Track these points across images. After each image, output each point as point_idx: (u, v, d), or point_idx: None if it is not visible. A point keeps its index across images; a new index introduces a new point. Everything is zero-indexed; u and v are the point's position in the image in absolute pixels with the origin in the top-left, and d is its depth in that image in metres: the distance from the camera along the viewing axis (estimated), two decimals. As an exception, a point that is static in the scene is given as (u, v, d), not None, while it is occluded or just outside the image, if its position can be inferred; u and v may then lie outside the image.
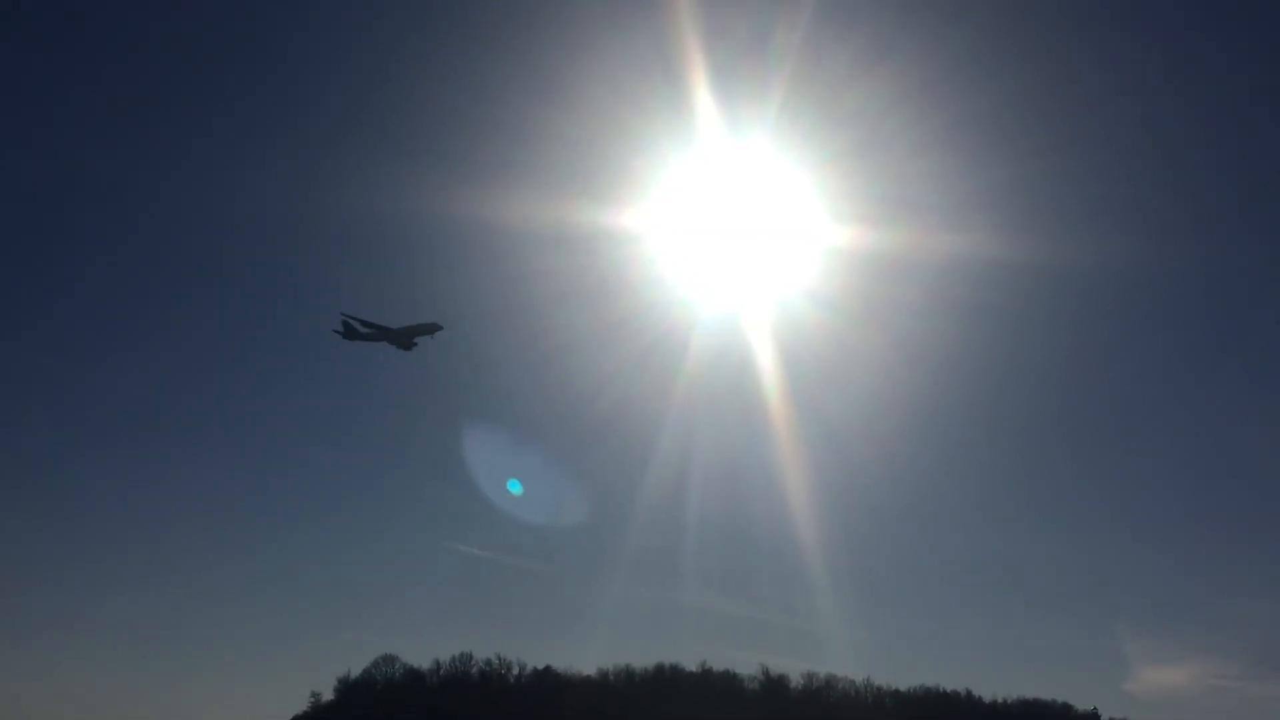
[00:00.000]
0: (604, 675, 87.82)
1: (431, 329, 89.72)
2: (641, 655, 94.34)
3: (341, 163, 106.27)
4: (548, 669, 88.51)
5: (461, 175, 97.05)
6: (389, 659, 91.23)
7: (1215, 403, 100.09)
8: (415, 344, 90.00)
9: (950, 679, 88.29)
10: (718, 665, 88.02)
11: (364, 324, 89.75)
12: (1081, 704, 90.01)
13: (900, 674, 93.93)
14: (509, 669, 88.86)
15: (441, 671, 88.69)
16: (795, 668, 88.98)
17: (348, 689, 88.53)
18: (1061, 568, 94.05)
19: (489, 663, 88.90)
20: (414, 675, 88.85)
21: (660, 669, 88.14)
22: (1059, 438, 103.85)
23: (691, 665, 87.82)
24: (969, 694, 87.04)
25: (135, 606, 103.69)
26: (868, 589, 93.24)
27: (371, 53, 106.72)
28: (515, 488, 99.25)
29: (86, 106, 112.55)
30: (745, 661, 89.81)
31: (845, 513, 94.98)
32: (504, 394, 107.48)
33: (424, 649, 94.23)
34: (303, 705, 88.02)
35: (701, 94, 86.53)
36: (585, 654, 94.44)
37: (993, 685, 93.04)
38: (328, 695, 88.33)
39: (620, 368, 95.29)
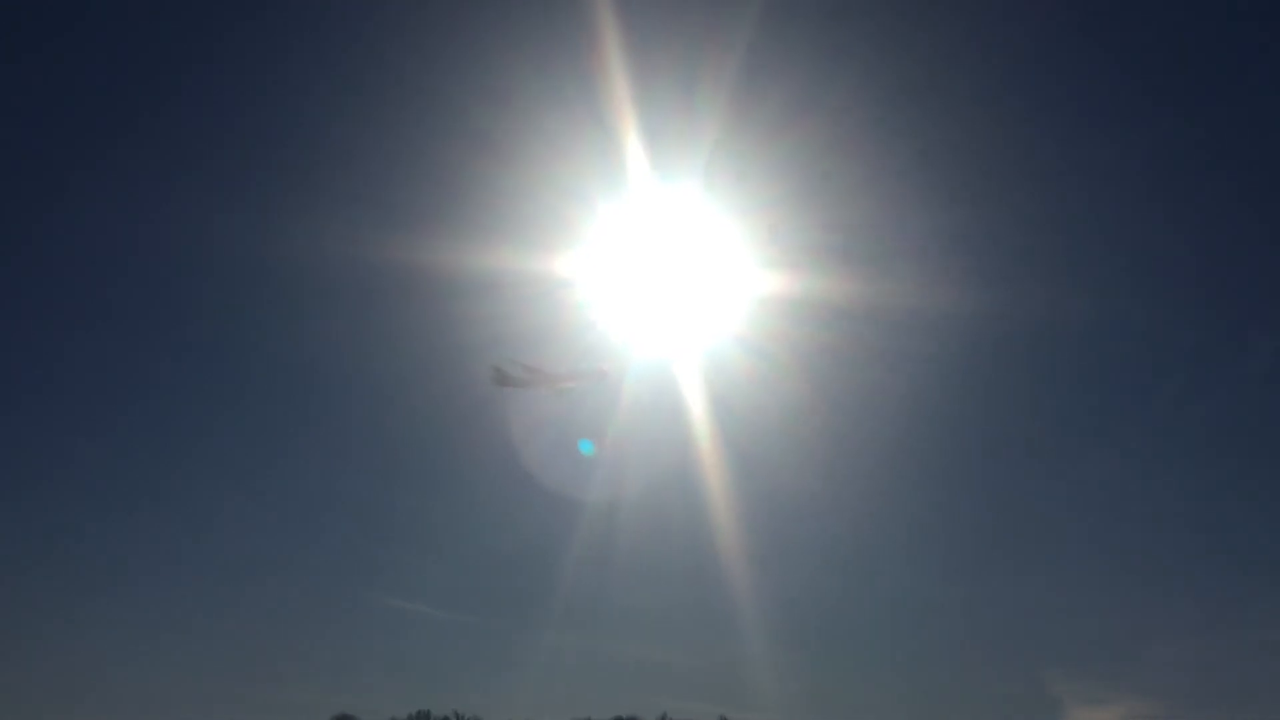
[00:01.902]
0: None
1: (596, 375, 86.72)
2: (585, 707, 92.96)
3: (258, 207, 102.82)
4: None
5: (385, 221, 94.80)
6: (344, 718, 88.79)
7: (1137, 449, 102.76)
8: (572, 389, 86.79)
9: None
10: (677, 716, 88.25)
11: (523, 368, 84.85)
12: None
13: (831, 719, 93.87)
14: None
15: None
16: (751, 717, 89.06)
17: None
18: (992, 612, 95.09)
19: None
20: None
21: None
22: (985, 483, 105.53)
23: (650, 717, 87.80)
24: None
25: (62, 669, 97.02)
26: (799, 636, 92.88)
27: (292, 95, 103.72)
28: (587, 448, 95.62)
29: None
30: (703, 712, 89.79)
31: (776, 560, 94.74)
32: (431, 442, 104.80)
33: (367, 707, 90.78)
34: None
35: (631, 140, 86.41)
36: (528, 706, 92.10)
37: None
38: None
39: (550, 414, 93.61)
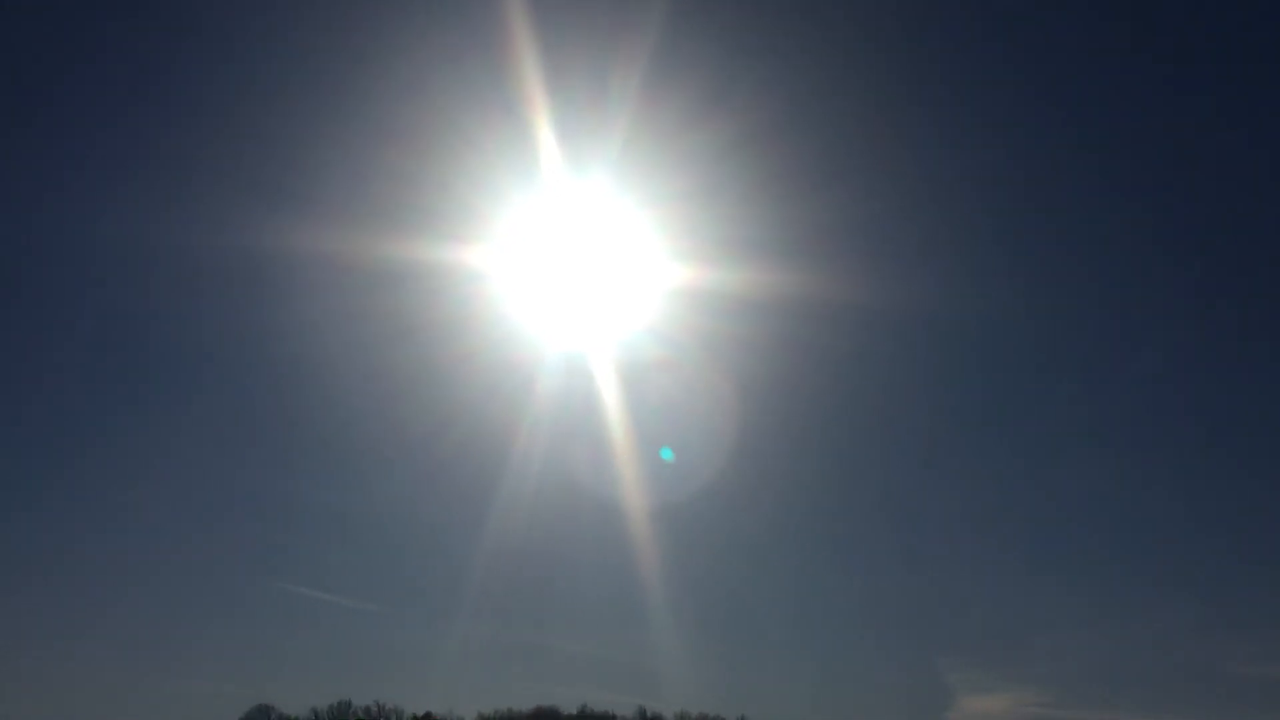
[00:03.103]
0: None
1: None
2: (505, 697, 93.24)
3: (163, 197, 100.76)
4: (428, 715, 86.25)
5: (295, 211, 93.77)
6: (264, 709, 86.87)
7: (1029, 444, 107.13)
8: None
9: (791, 713, 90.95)
10: (596, 706, 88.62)
11: None
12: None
13: (736, 707, 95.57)
14: (389, 717, 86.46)
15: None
16: (665, 707, 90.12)
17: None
18: (889, 602, 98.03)
19: (368, 710, 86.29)
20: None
21: (540, 711, 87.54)
22: (885, 475, 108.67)
23: (571, 707, 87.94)
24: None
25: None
26: (710, 626, 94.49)
27: (198, 84, 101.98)
28: (668, 455, 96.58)
29: None
30: (621, 703, 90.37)
31: (689, 551, 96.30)
32: (342, 433, 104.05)
33: (285, 698, 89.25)
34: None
35: (543, 132, 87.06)
36: (448, 697, 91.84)
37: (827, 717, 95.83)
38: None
39: (463, 406, 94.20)
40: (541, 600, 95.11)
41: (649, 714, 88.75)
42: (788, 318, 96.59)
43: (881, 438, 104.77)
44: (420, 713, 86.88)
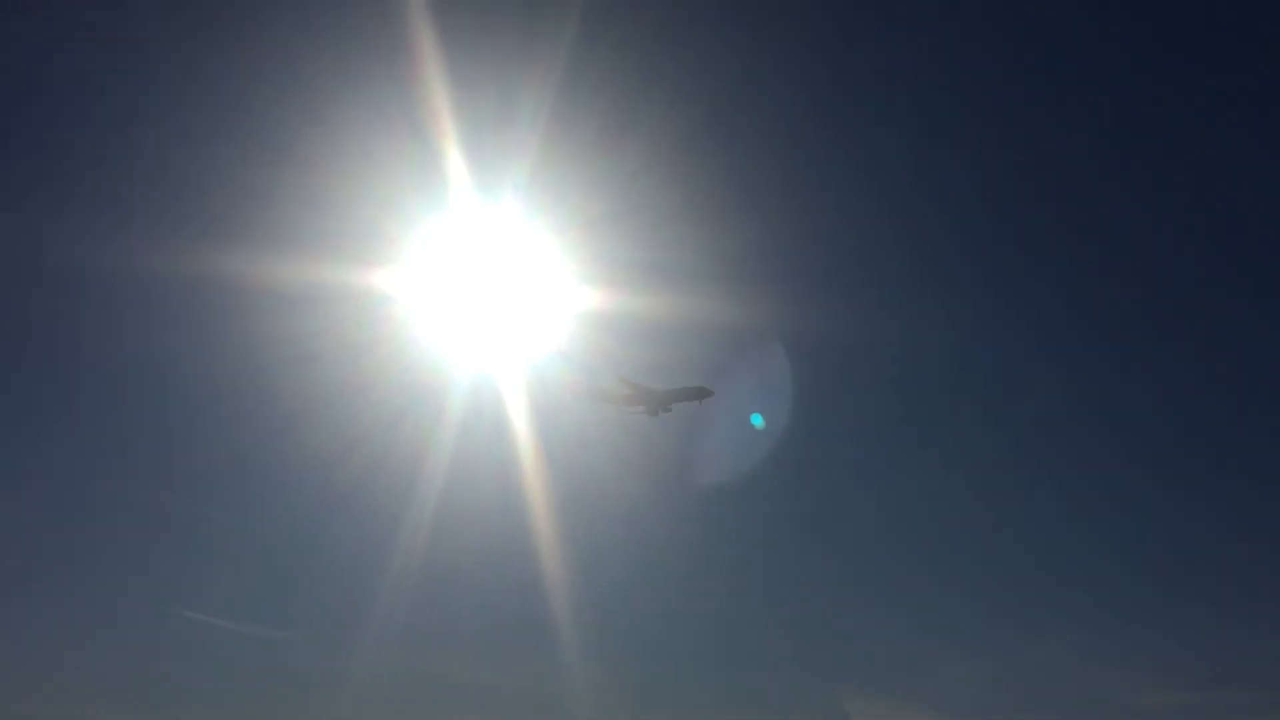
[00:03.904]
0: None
1: (702, 394, 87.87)
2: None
3: (67, 216, 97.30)
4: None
5: (189, 232, 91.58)
6: None
7: (936, 471, 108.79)
8: (670, 410, 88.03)
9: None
10: None
11: (630, 384, 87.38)
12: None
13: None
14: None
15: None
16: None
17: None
18: (786, 630, 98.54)
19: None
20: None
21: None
22: (792, 500, 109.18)
23: None
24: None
25: None
26: (617, 654, 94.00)
27: (100, 100, 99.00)
28: (758, 421, 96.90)
29: None
30: None
31: (597, 577, 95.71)
32: (243, 457, 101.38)
33: None
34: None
35: (451, 154, 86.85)
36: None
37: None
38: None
39: (369, 431, 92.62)
40: (448, 626, 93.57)
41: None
42: (700, 343, 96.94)
43: (793, 462, 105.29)
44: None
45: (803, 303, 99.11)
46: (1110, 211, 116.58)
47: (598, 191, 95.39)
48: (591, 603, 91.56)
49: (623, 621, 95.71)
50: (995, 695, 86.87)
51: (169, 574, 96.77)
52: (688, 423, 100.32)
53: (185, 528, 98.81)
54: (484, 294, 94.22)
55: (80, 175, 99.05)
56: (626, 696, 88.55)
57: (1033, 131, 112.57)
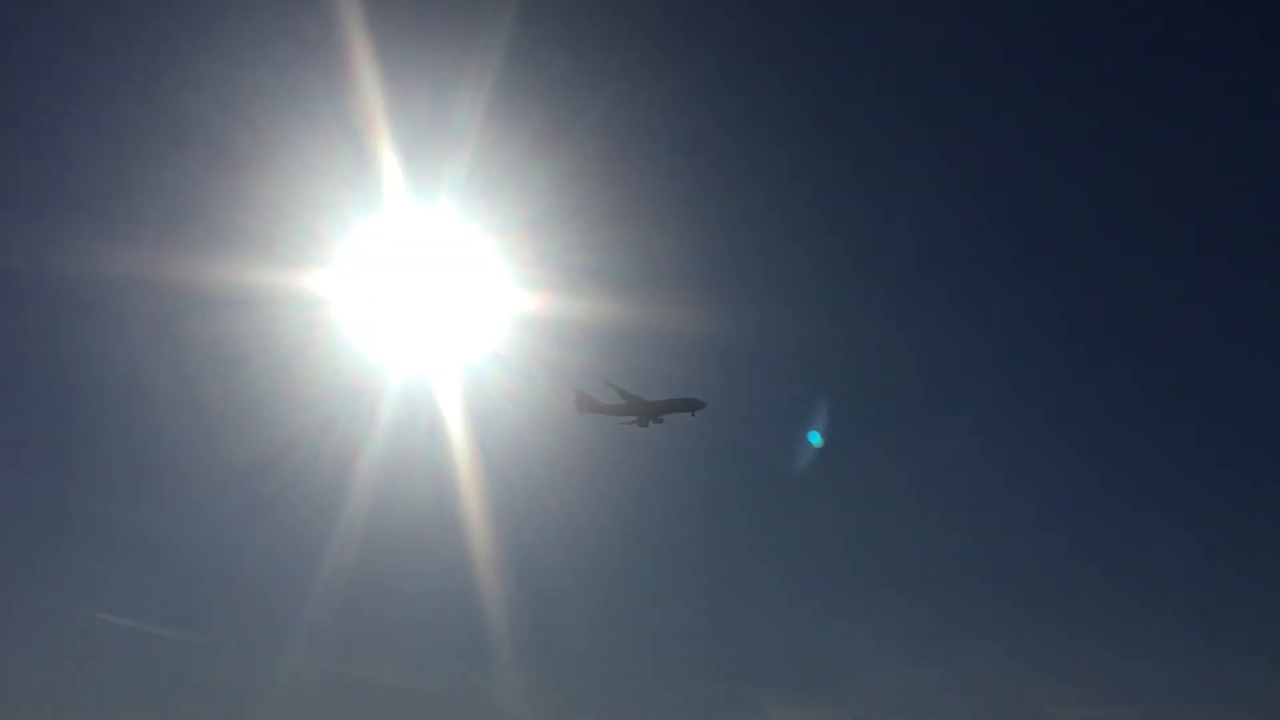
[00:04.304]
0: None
1: (693, 405, 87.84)
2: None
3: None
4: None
5: (118, 232, 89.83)
6: None
7: (858, 484, 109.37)
8: (661, 421, 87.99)
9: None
10: None
11: (623, 394, 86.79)
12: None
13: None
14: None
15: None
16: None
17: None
18: (718, 639, 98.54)
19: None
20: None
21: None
22: (725, 511, 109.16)
23: None
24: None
25: None
26: (548, 660, 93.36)
27: (14, 98, 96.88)
28: (816, 439, 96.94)
29: None
30: None
31: (531, 583, 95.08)
32: (169, 460, 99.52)
33: None
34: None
35: (385, 155, 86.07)
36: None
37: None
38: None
39: (301, 433, 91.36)
40: (379, 632, 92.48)
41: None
42: (637, 347, 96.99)
43: (724, 471, 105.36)
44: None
45: (741, 307, 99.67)
46: (1051, 218, 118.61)
47: (535, 194, 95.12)
48: (526, 608, 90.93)
49: (556, 627, 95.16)
50: (920, 704, 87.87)
51: (82, 576, 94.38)
52: (627, 429, 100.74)
53: (102, 530, 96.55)
54: (419, 296, 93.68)
55: (1, 174, 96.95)
56: (559, 703, 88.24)
57: (973, 138, 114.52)
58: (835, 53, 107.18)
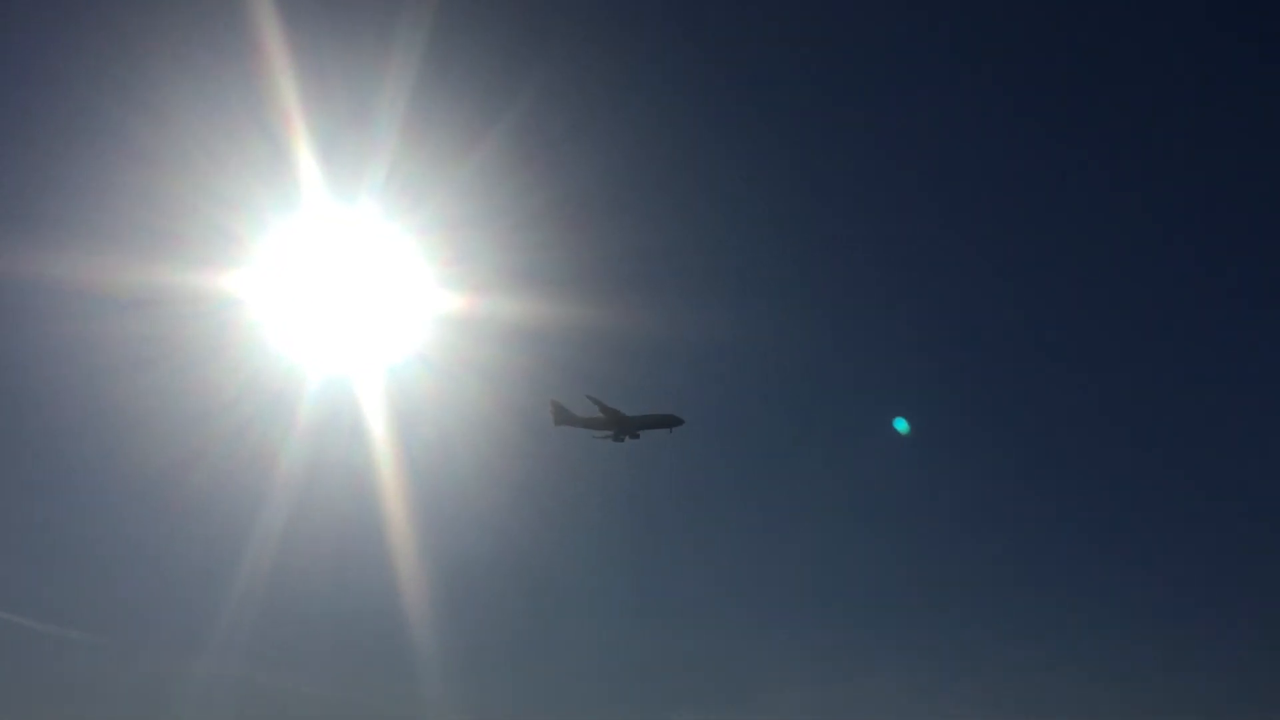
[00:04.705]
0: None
1: (671, 422, 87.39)
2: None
3: None
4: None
5: (25, 232, 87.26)
6: None
7: (779, 499, 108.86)
8: (638, 436, 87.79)
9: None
10: None
11: (602, 407, 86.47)
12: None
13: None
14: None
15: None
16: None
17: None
18: (624, 653, 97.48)
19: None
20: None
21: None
22: (647, 519, 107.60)
23: None
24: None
25: None
26: (467, 671, 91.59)
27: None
28: (902, 425, 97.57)
29: None
30: None
31: (458, 589, 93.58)
32: (75, 463, 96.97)
33: None
34: None
35: (303, 153, 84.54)
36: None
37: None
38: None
39: (217, 436, 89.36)
40: (296, 640, 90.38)
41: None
42: (565, 347, 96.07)
43: (647, 478, 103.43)
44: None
45: (669, 306, 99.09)
46: (1004, 219, 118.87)
47: (459, 194, 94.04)
48: (450, 617, 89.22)
49: (479, 637, 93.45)
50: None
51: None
52: (559, 432, 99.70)
53: (5, 530, 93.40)
54: (339, 297, 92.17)
55: None
56: (481, 713, 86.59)
57: (924, 133, 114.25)
58: (770, 46, 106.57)
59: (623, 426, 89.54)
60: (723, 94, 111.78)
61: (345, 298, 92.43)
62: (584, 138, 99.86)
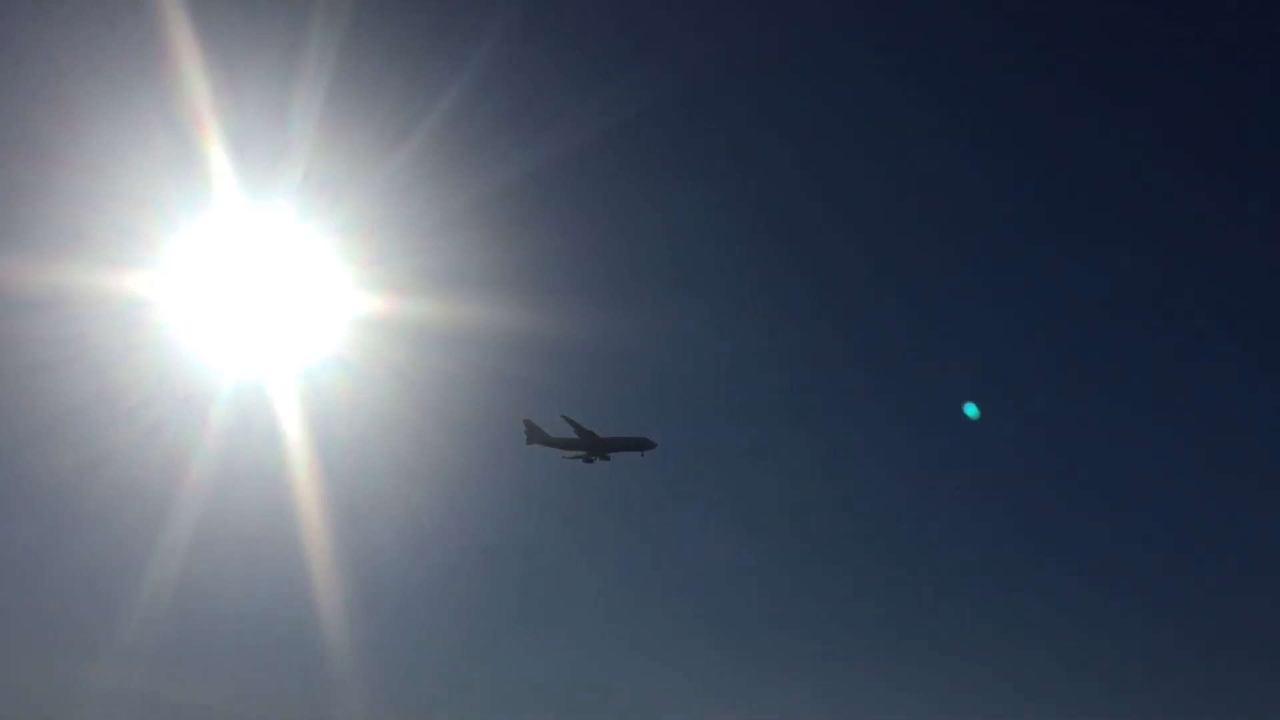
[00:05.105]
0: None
1: (643, 445, 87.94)
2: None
3: None
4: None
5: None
6: None
7: (679, 512, 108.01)
8: (609, 458, 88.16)
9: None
10: None
11: (577, 428, 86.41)
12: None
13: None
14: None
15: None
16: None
17: None
18: (527, 677, 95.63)
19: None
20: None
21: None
22: (567, 524, 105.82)
23: None
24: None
25: None
26: (388, 681, 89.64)
27: None
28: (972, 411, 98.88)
29: None
30: None
31: (375, 598, 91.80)
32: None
33: None
34: None
35: (215, 153, 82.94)
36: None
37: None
38: None
39: (124, 443, 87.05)
40: (206, 652, 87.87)
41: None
42: (487, 349, 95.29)
43: (563, 487, 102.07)
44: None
45: (590, 309, 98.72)
46: (895, 220, 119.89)
47: (380, 195, 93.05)
48: (367, 626, 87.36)
49: (397, 646, 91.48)
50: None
51: None
52: (483, 435, 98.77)
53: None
54: (253, 298, 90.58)
55: None
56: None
57: (809, 136, 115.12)
58: (668, 53, 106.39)
59: (595, 448, 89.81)
60: (649, 92, 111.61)
61: (259, 299, 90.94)
62: (507, 138, 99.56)
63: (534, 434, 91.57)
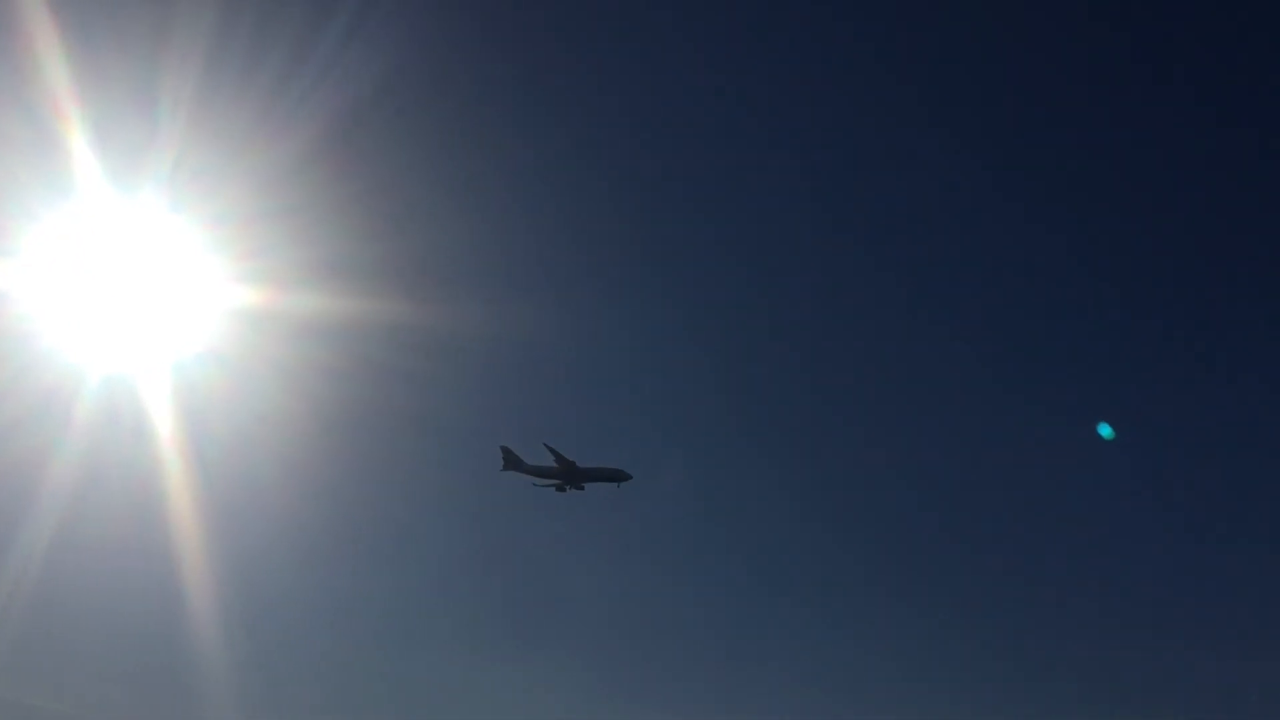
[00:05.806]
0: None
1: (619, 477, 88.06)
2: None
3: None
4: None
5: None
6: None
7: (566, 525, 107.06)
8: (583, 488, 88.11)
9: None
10: None
11: (557, 456, 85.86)
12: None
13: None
14: None
15: None
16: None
17: None
18: (434, 677, 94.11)
19: None
20: None
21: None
22: (459, 529, 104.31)
23: None
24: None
25: None
26: (266, 694, 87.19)
27: None
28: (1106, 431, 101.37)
29: None
30: None
31: (252, 602, 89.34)
32: None
33: None
34: None
35: (75, 141, 79.75)
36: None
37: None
38: None
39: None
40: (65, 660, 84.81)
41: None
42: (367, 341, 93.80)
43: (460, 484, 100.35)
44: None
45: (473, 303, 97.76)
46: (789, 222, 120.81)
47: (257, 186, 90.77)
48: (241, 633, 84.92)
49: (273, 655, 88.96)
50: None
51: None
52: (363, 428, 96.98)
53: None
54: (119, 291, 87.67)
55: None
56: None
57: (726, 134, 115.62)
58: (570, 41, 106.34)
59: (572, 477, 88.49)
60: (512, 86, 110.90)
61: (127, 292, 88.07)
62: (388, 131, 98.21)
63: (510, 460, 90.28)
